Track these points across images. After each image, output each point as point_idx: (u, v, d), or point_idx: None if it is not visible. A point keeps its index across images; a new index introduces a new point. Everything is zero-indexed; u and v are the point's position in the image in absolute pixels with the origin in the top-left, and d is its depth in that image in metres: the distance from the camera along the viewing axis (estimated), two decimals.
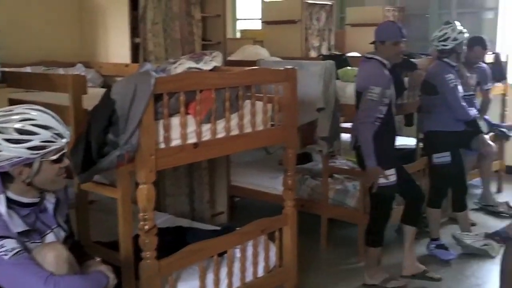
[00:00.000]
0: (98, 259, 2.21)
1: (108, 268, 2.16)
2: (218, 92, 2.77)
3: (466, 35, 4.22)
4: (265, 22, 6.54)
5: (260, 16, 8.32)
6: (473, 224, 4.69)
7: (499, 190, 6.00)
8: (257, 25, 8.60)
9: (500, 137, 5.63)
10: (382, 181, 3.60)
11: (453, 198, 4.56)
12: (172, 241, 3.02)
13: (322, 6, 6.14)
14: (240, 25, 8.86)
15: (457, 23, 4.24)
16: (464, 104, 4.18)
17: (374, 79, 3.56)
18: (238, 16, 8.94)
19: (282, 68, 3.18)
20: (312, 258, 4.20)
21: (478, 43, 4.89)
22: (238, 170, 5.23)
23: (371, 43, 3.72)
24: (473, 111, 4.32)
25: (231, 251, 3.00)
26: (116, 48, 4.39)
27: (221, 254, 2.98)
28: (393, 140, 3.82)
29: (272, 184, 4.92)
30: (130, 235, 2.63)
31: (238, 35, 8.28)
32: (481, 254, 3.18)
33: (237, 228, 3.19)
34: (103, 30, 4.47)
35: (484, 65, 5.17)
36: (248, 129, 2.99)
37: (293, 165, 3.30)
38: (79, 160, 2.43)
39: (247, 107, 2.97)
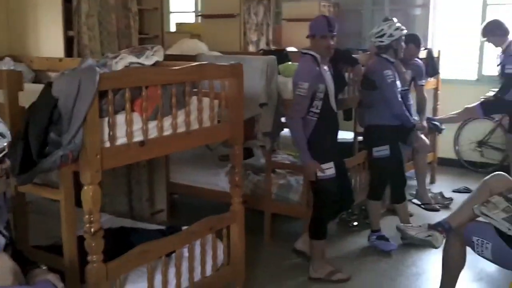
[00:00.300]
0: (44, 267, 2.09)
1: (56, 277, 2.04)
2: (165, 88, 2.68)
3: (404, 32, 4.29)
4: (203, 16, 6.45)
5: (193, 9, 8.24)
6: (411, 215, 4.83)
7: (432, 181, 6.21)
8: (191, 19, 8.50)
9: (433, 130, 5.80)
10: (319, 174, 3.64)
11: (392, 190, 4.66)
12: (115, 243, 2.91)
13: (260, 0, 6.12)
14: (174, 19, 8.69)
15: (395, 20, 4.31)
16: (400, 100, 4.26)
17: (303, 74, 3.60)
18: (171, 9, 8.76)
19: (228, 64, 3.12)
20: (256, 254, 4.18)
21: (412, 41, 5.00)
22: (178, 167, 5.13)
23: (307, 37, 3.72)
24: (413, 118, 4.40)
25: (179, 251, 2.93)
26: (48, 41, 4.20)
27: (168, 254, 2.91)
28: (334, 135, 3.86)
29: (214, 180, 4.86)
30: (75, 239, 2.52)
31: (172, 28, 8.11)
32: (425, 245, 3.26)
33: (183, 227, 3.13)
34: (33, 22, 4.25)
35: (419, 61, 5.31)
36: (195, 126, 2.92)
37: (240, 162, 3.26)
38: (17, 160, 2.28)
39: (193, 104, 2.90)
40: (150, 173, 4.76)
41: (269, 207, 4.49)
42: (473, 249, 2.98)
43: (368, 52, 4.87)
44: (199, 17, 7.22)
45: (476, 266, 3.92)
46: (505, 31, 5.41)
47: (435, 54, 5.93)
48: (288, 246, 4.30)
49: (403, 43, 4.31)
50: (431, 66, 5.64)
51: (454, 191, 5.87)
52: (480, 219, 3.00)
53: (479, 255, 2.97)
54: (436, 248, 3.13)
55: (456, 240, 3.07)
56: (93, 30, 4.10)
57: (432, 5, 6.96)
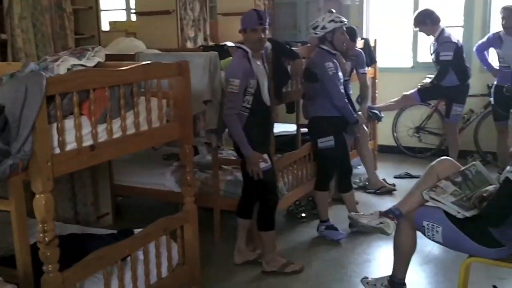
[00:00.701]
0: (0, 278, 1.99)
1: None
2: (112, 90, 2.62)
3: (339, 24, 4.29)
4: (137, 13, 6.31)
5: (125, 7, 8.06)
6: (357, 203, 4.92)
7: (374, 169, 6.33)
8: (122, 16, 8.31)
9: (373, 118, 5.93)
10: (262, 165, 3.67)
11: (339, 179, 4.74)
12: (68, 250, 2.82)
13: None
14: (105, 17, 8.45)
15: (334, 11, 4.36)
16: (342, 91, 4.31)
17: (233, 71, 3.61)
18: (102, 7, 8.51)
19: (175, 62, 3.07)
20: (208, 252, 4.16)
21: (348, 35, 5.07)
22: (121, 168, 5.01)
23: (239, 32, 3.72)
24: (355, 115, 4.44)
25: (135, 255, 2.88)
26: None
27: (124, 259, 2.85)
28: (266, 129, 3.88)
29: (160, 180, 4.78)
30: (28, 250, 2.42)
31: (104, 27, 7.89)
32: (377, 233, 3.33)
33: (136, 230, 3.08)
34: None
35: (360, 50, 5.41)
36: (144, 127, 2.86)
37: (191, 161, 3.23)
38: None
39: (142, 104, 2.84)
40: (94, 176, 4.65)
41: (218, 204, 4.47)
42: (423, 233, 3.06)
43: (308, 45, 4.90)
44: (133, 15, 7.07)
45: (424, 249, 4.05)
46: (436, 20, 5.57)
47: (372, 44, 6.05)
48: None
49: (344, 35, 4.35)
50: (368, 55, 5.75)
51: (395, 177, 6.04)
52: (429, 203, 3.08)
53: (430, 239, 3.05)
54: (388, 234, 3.20)
55: (407, 226, 3.15)
56: (27, 32, 3.95)
57: None
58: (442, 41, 5.51)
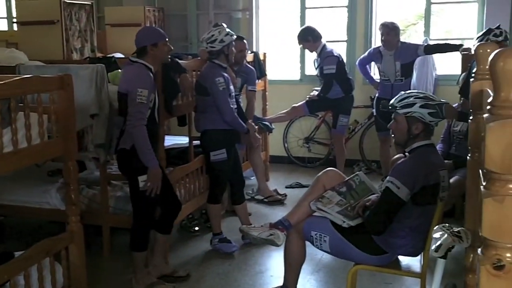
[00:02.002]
0: None
1: None
2: None
3: (234, 37, 4.38)
4: (20, 23, 5.98)
5: (5, 15, 7.66)
6: (249, 214, 4.96)
7: (266, 179, 6.43)
8: (3, 26, 7.89)
9: (264, 130, 6.02)
10: (142, 185, 3.57)
11: (232, 191, 4.75)
12: None
13: (82, 5, 5.84)
14: None
15: (225, 25, 4.38)
16: (232, 106, 4.33)
17: (141, 82, 3.50)
18: None
19: (56, 75, 2.94)
20: (96, 271, 4.00)
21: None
22: (1, 187, 4.71)
23: (139, 49, 3.62)
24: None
25: (14, 280, 2.71)
26: None
27: (3, 284, 2.67)
28: (156, 145, 3.79)
29: (44, 198, 4.54)
30: None
31: None
32: (268, 244, 3.37)
33: (16, 253, 2.90)
34: None
35: (252, 67, 5.48)
36: (23, 145, 2.71)
37: (75, 178, 3.10)
38: None
39: (20, 120, 2.69)
40: None
41: (107, 221, 4.32)
42: (312, 243, 3.14)
43: (199, 58, 4.88)
44: (15, 24, 6.71)
45: (315, 258, 4.15)
46: (317, 37, 5.79)
47: (261, 57, 6.15)
48: (128, 259, 4.17)
49: (233, 48, 4.41)
50: (258, 69, 5.84)
51: (287, 187, 6.16)
52: (316, 214, 3.17)
53: (318, 248, 3.14)
54: (278, 246, 3.25)
55: (296, 236, 3.21)
56: None
57: (255, 9, 7.20)
58: (324, 55, 5.73)
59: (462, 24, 7.34)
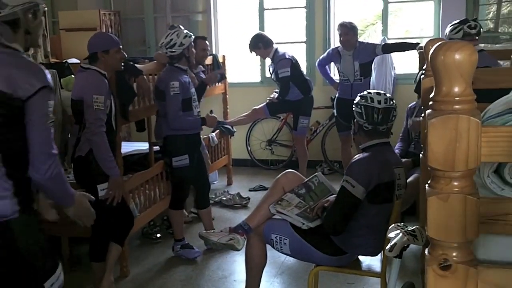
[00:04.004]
0: None
1: None
2: None
3: (193, 37, 4.32)
4: None
5: None
6: (213, 218, 4.91)
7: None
8: None
9: (225, 133, 5.96)
10: (102, 194, 3.48)
11: (197, 196, 4.70)
12: None
13: None
14: None
15: (182, 27, 4.30)
16: (181, 113, 4.21)
17: (95, 88, 3.42)
18: None
19: None
20: None
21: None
22: None
23: (91, 55, 3.54)
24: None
25: None
26: None
27: None
28: (113, 152, 3.71)
29: None
30: None
31: None
32: (229, 249, 3.32)
33: None
34: None
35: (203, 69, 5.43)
36: None
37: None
38: None
39: None
40: None
41: (66, 232, 4.20)
42: (272, 246, 3.11)
43: (155, 61, 4.78)
44: None
45: (277, 261, 4.12)
46: (268, 42, 5.75)
47: (220, 59, 6.09)
48: (89, 269, 4.07)
49: (193, 49, 4.34)
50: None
51: (250, 190, 6.12)
52: (276, 216, 3.13)
53: (279, 251, 3.11)
54: (238, 250, 3.21)
55: (256, 240, 3.17)
56: None
57: (213, 11, 7.15)
58: (278, 59, 5.70)
59: (420, 23, 7.42)
